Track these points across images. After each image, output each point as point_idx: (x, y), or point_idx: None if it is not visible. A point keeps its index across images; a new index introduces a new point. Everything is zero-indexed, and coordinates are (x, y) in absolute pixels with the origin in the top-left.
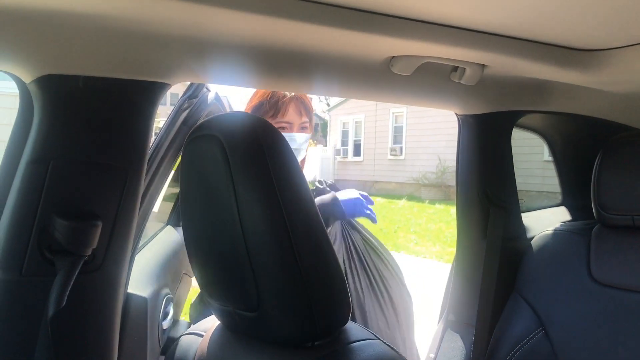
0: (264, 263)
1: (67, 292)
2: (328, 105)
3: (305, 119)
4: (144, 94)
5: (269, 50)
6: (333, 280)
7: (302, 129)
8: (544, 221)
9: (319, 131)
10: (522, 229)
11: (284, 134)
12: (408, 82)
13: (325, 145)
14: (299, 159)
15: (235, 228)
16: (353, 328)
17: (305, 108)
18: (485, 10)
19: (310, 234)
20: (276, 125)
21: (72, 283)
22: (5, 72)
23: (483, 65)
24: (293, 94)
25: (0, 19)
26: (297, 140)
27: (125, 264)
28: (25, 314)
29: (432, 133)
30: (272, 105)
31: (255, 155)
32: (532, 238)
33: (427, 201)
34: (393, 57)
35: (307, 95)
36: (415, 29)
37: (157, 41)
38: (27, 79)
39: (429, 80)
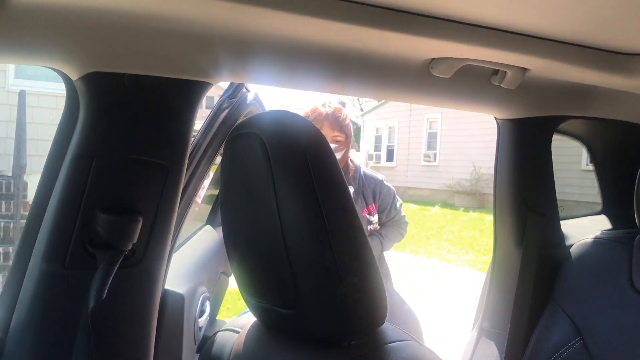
0: (302, 261)
1: (108, 286)
2: (362, 110)
3: (336, 133)
4: (187, 93)
5: (310, 51)
6: (370, 280)
7: (335, 142)
8: (583, 229)
9: (353, 136)
10: (560, 236)
11: None
12: (448, 84)
13: (358, 150)
14: None
15: (274, 225)
16: (389, 329)
17: (338, 125)
18: (528, 13)
19: (349, 233)
20: None
21: (112, 277)
22: (53, 69)
23: (525, 69)
24: (329, 112)
25: (49, 17)
26: None
27: (164, 259)
28: (67, 305)
29: (467, 140)
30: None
31: (296, 153)
32: (571, 246)
33: (461, 209)
34: (433, 59)
35: (342, 114)
36: (457, 31)
37: (201, 41)
38: (74, 76)
39: (469, 83)
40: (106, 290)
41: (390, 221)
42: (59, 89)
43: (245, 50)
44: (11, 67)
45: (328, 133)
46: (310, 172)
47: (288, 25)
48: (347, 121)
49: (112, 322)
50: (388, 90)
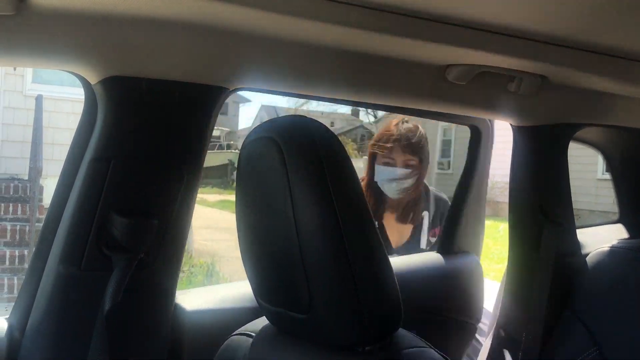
0: (317, 265)
1: (123, 287)
2: (375, 117)
3: (409, 156)
4: (204, 98)
5: (327, 58)
6: (385, 285)
7: (407, 166)
8: (599, 238)
9: (366, 143)
10: (576, 245)
11: (389, 167)
12: (463, 91)
13: None
14: (399, 188)
15: (289, 230)
16: (405, 335)
17: (410, 148)
18: (545, 19)
19: (364, 238)
20: (384, 160)
21: (127, 279)
22: (72, 73)
23: (541, 76)
24: (401, 132)
25: (69, 22)
26: (397, 172)
27: (176, 262)
28: (83, 307)
29: None
30: (381, 145)
31: (312, 158)
32: (587, 255)
33: None
34: (449, 65)
35: (417, 135)
36: (473, 37)
37: (219, 47)
38: (93, 80)
39: (485, 89)
40: (122, 292)
41: None
42: (76, 93)
43: (262, 56)
44: (29, 72)
45: (399, 157)
46: (326, 176)
47: (305, 32)
48: (423, 143)
49: (126, 322)
50: (403, 97)
